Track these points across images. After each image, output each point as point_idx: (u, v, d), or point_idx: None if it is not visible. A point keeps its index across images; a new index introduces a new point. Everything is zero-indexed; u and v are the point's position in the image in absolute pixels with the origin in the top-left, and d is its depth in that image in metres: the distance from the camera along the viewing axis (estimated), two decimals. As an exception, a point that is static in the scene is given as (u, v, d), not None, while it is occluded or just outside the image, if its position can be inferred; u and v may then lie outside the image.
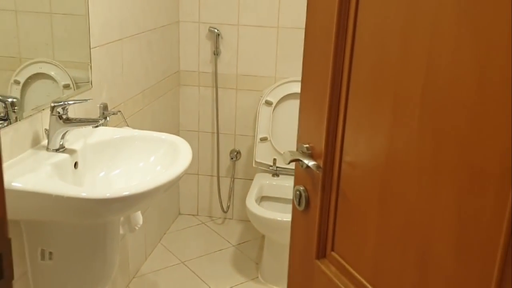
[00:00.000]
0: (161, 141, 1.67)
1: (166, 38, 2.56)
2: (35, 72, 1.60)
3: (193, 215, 3.04)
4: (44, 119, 1.54)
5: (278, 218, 2.19)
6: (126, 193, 1.30)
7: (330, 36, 0.96)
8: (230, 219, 3.02)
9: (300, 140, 1.11)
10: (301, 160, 1.05)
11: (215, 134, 2.85)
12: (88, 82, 1.80)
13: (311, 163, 1.03)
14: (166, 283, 2.38)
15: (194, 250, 2.67)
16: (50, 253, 1.50)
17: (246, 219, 2.67)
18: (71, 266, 1.54)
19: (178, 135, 2.87)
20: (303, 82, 1.08)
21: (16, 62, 1.51)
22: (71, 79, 1.76)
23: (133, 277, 2.40)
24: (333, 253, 1.05)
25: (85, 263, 1.56)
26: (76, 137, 1.59)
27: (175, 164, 1.50)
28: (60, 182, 1.36)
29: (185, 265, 2.53)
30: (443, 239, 0.77)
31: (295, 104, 2.53)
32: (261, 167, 2.61)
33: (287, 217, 2.22)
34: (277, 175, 2.57)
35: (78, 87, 1.75)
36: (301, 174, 1.11)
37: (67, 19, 1.70)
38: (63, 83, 1.73)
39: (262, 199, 2.52)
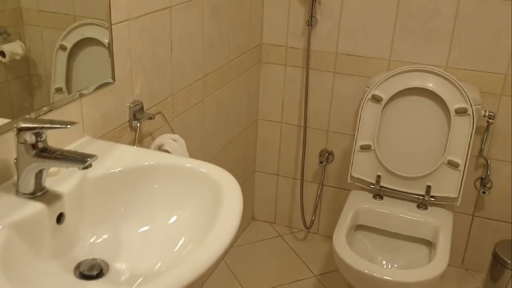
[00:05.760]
0: (195, 179, 1.06)
1: (243, 1, 1.91)
2: (86, 35, 1.15)
3: (269, 222, 2.47)
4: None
5: (375, 274, 1.53)
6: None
7: None
8: (314, 233, 2.40)
9: None
10: None
11: (302, 128, 2.20)
12: (108, 76, 1.23)
13: None
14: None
15: (265, 278, 2.10)
16: None
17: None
18: None
19: (256, 124, 2.27)
20: None
21: (70, 20, 1.11)
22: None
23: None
24: None
25: None
26: (71, 168, 1.03)
27: (211, 236, 0.90)
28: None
29: (250, 300, 1.98)
30: None
31: (415, 103, 1.79)
32: (359, 184, 1.93)
33: (386, 274, 1.55)
34: (380, 197, 1.88)
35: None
36: None
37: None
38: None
39: (357, 228, 1.86)
